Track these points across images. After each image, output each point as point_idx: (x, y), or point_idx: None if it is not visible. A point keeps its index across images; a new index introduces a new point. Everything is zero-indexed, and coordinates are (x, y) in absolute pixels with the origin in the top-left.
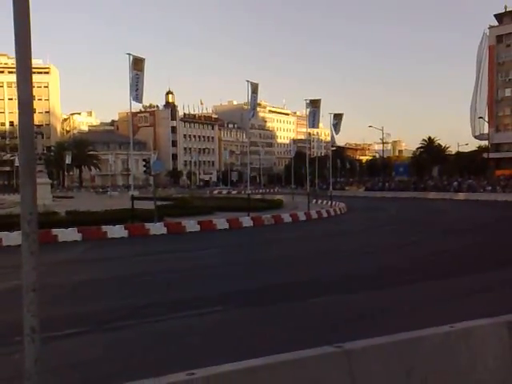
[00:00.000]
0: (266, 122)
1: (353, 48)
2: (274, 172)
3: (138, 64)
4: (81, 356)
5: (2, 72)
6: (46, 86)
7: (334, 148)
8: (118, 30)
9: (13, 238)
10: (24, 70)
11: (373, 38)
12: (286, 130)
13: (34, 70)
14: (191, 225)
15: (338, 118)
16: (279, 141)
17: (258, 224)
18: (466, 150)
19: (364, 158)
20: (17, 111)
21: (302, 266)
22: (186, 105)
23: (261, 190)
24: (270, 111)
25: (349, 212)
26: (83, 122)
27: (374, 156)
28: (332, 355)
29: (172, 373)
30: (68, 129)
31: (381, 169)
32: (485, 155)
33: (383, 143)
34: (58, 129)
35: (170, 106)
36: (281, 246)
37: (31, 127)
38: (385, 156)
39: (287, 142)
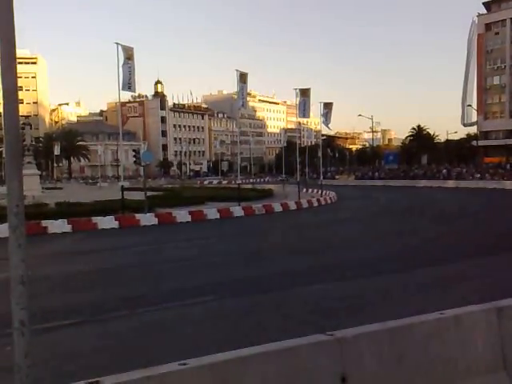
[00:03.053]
0: (255, 111)
1: (342, 37)
2: (265, 161)
3: (128, 53)
4: (73, 347)
5: None
6: (34, 77)
7: (324, 137)
8: (105, 20)
9: (0, 230)
10: (8, 58)
11: (362, 28)
12: (276, 119)
13: (21, 61)
14: (182, 215)
15: (328, 107)
16: (269, 130)
17: (248, 213)
18: (455, 138)
19: (354, 147)
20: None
21: (294, 255)
22: (176, 95)
23: (251, 180)
24: (260, 100)
25: (339, 201)
26: (72, 113)
27: (364, 145)
28: (324, 343)
29: (164, 363)
30: (56, 119)
31: (371, 158)
32: (473, 143)
33: (373, 132)
34: (47, 119)
35: (160, 96)
36: (272, 235)
37: (17, 118)
38: (374, 145)
39: (277, 131)
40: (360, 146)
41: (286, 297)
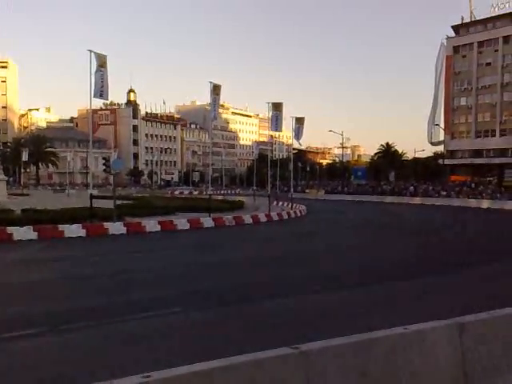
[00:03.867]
0: (228, 123)
1: (315, 53)
2: (236, 173)
3: (101, 61)
4: (35, 358)
5: None
6: (4, 81)
7: (295, 151)
8: (78, 26)
9: None
10: None
11: (335, 45)
12: (249, 131)
13: None
14: (151, 225)
15: (299, 121)
16: (242, 142)
17: (219, 225)
18: (423, 156)
19: (324, 162)
20: None
21: (263, 267)
22: (149, 104)
23: (222, 191)
24: (233, 113)
25: (309, 214)
26: (41, 119)
27: (334, 160)
28: (289, 356)
29: (127, 375)
30: (26, 125)
31: (340, 172)
32: (440, 161)
33: (343, 148)
34: (16, 124)
35: (132, 105)
36: (241, 247)
37: None
38: (344, 160)
39: (249, 143)
40: (330, 161)
41: (252, 309)
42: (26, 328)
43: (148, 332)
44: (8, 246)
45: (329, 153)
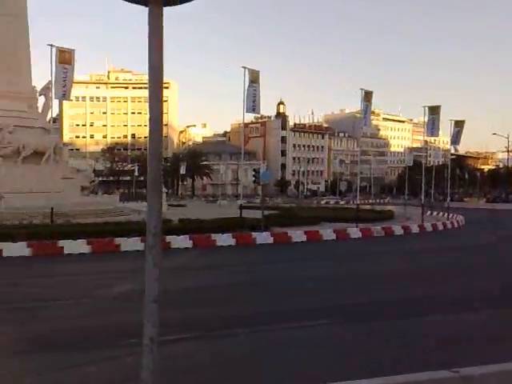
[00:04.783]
0: (379, 130)
1: (470, 52)
2: (386, 182)
3: (253, 76)
4: (189, 361)
5: (127, 88)
6: (166, 100)
7: (452, 157)
8: (228, 43)
9: (130, 243)
10: (155, 89)
11: (495, 41)
12: (401, 137)
13: None
14: (297, 235)
15: (459, 125)
16: (392, 149)
17: (366, 236)
18: None
19: (486, 168)
20: (139, 125)
21: (413, 282)
22: (297, 115)
23: (371, 201)
24: (384, 119)
25: (467, 225)
26: (198, 134)
27: (498, 165)
28: (448, 380)
29: None
30: (184, 140)
31: (505, 179)
32: None
33: (508, 151)
34: (175, 140)
35: (281, 117)
36: (388, 259)
37: (160, 144)
38: (510, 165)
39: (401, 150)
40: (493, 167)
41: (402, 326)
42: (182, 332)
43: (294, 342)
44: (166, 253)
45: (491, 158)
